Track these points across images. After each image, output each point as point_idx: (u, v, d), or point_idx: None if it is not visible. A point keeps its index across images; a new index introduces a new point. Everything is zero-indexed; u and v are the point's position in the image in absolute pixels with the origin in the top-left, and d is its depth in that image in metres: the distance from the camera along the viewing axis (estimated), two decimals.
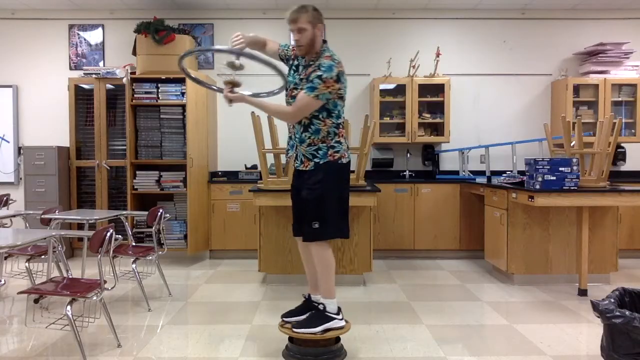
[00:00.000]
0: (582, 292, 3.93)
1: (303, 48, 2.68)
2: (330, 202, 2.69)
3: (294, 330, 2.67)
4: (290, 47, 2.86)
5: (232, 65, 2.59)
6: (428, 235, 5.41)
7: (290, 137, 2.87)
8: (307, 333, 2.64)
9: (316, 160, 2.70)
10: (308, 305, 2.81)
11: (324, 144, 2.69)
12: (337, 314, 2.71)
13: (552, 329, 3.20)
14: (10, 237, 2.99)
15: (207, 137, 5.49)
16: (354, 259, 4.25)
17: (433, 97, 5.70)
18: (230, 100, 2.67)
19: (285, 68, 2.79)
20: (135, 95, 5.29)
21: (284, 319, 2.81)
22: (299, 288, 4.06)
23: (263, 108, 2.78)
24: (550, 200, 3.77)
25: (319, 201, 2.68)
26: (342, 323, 2.72)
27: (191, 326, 3.31)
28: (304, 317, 2.75)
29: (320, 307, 2.70)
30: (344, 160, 2.74)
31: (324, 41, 2.75)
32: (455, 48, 5.93)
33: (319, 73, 2.57)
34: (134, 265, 3.69)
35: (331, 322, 2.67)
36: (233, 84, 2.63)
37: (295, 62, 2.78)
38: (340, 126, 2.74)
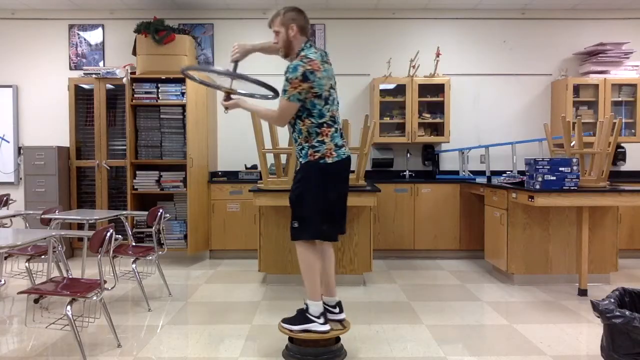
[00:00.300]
0: (582, 292, 3.93)
1: (282, 50, 2.76)
2: (309, 202, 2.68)
3: (280, 323, 2.73)
4: None
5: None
6: (428, 235, 5.41)
7: None
8: (287, 329, 2.68)
9: (300, 159, 2.75)
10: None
11: (307, 144, 2.69)
12: (319, 317, 2.66)
13: (552, 329, 3.20)
14: (10, 237, 2.99)
15: (207, 137, 5.49)
16: (354, 259, 4.25)
17: (433, 97, 5.70)
18: (226, 108, 2.79)
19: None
20: (135, 95, 5.29)
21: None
22: (299, 288, 4.07)
23: (256, 112, 2.87)
24: (550, 200, 3.77)
25: (298, 201, 2.70)
26: (323, 327, 2.65)
27: (191, 326, 3.31)
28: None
29: (304, 306, 2.71)
30: (329, 160, 2.67)
31: (308, 40, 2.75)
32: (455, 48, 5.93)
33: (287, 75, 2.60)
34: (134, 265, 3.69)
35: (310, 325, 2.65)
36: (229, 92, 2.77)
37: None
38: (325, 125, 2.68)
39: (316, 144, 2.68)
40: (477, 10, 5.90)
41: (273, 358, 2.76)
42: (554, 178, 3.77)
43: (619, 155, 5.69)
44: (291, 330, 2.67)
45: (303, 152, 2.70)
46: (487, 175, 5.42)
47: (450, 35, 5.94)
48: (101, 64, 5.89)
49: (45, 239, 2.89)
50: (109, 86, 5.60)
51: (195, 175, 5.18)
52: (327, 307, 2.76)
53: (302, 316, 2.69)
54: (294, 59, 2.69)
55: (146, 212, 3.84)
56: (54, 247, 3.30)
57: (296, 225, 2.68)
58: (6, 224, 4.22)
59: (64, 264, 3.65)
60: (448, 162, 6.01)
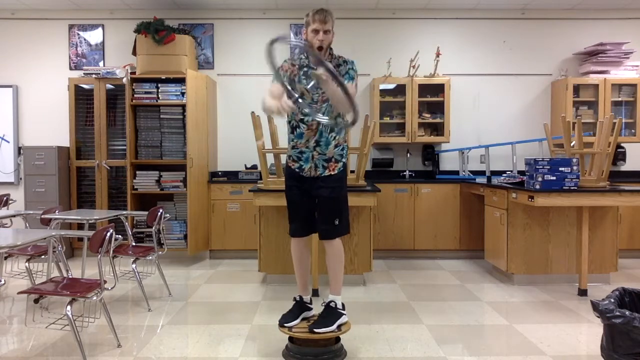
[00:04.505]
0: (582, 292, 3.93)
1: (324, 50, 2.76)
2: (346, 201, 2.90)
3: (315, 331, 2.64)
4: (302, 55, 2.80)
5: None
6: (428, 235, 5.41)
7: (299, 150, 2.77)
8: (325, 332, 2.66)
9: (342, 161, 2.82)
10: (298, 305, 2.84)
11: (343, 144, 2.83)
12: (343, 308, 2.79)
13: (552, 329, 3.20)
14: (10, 237, 2.99)
15: (207, 137, 5.49)
16: (354, 259, 4.25)
17: (433, 97, 5.70)
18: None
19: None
20: (135, 95, 5.29)
21: (285, 324, 2.75)
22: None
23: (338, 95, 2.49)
24: (550, 200, 3.77)
25: (342, 200, 2.85)
26: (347, 318, 2.80)
27: (191, 326, 3.31)
28: (318, 317, 2.77)
29: (332, 304, 2.76)
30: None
31: None
32: (455, 48, 5.93)
33: (353, 67, 2.80)
34: (134, 265, 3.69)
35: (342, 318, 2.75)
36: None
37: (305, 69, 2.75)
38: None
39: (345, 146, 2.85)
40: (477, 10, 5.90)
41: (273, 358, 2.76)
42: (554, 178, 3.77)
43: (619, 155, 5.69)
44: (332, 331, 2.68)
45: (343, 152, 2.82)
46: (487, 175, 5.41)
47: (450, 35, 5.94)
48: (101, 64, 5.89)
49: (45, 239, 2.89)
50: (109, 86, 5.60)
51: (195, 175, 5.18)
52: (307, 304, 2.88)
53: (335, 313, 2.74)
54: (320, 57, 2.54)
55: (146, 212, 3.84)
56: (54, 247, 3.30)
57: (337, 222, 2.76)
58: (6, 224, 4.22)
59: (64, 264, 3.65)
60: (448, 162, 6.01)
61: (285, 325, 2.74)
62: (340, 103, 2.53)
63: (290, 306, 2.87)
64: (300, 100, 2.54)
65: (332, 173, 2.77)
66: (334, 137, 2.75)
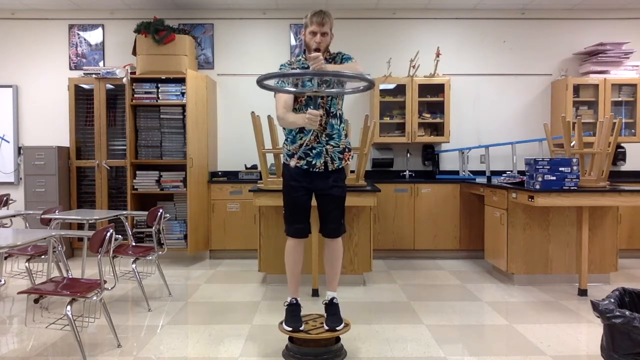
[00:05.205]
0: (582, 292, 3.93)
1: (321, 51, 2.77)
2: None
3: (337, 329, 2.69)
4: (301, 58, 2.92)
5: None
6: (428, 235, 5.41)
7: (309, 147, 2.74)
8: (344, 329, 2.72)
9: (337, 163, 2.81)
10: (298, 307, 2.83)
11: (344, 145, 2.85)
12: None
13: (552, 329, 3.20)
14: (10, 237, 2.98)
15: (207, 137, 5.49)
16: (354, 259, 4.25)
17: (433, 97, 5.70)
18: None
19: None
20: (135, 95, 5.29)
21: (300, 329, 2.70)
22: (299, 288, 4.06)
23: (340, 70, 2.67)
24: (550, 200, 3.77)
25: (344, 200, 2.88)
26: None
27: (191, 326, 3.31)
28: (330, 316, 2.77)
29: (335, 300, 2.81)
30: None
31: None
32: (455, 48, 5.93)
33: (347, 56, 2.89)
34: (134, 265, 3.69)
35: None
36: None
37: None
38: None
39: (349, 146, 2.89)
40: (477, 10, 5.90)
41: (273, 358, 2.76)
42: (554, 178, 3.77)
43: (619, 155, 5.70)
44: (345, 325, 2.75)
45: (341, 154, 2.81)
46: (487, 175, 5.41)
47: (450, 35, 5.94)
48: (101, 64, 5.89)
49: (45, 239, 2.88)
50: (109, 86, 5.61)
51: (195, 175, 5.18)
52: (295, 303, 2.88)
53: (338, 308, 2.81)
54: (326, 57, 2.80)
55: (146, 212, 3.84)
56: (54, 247, 3.30)
57: (343, 221, 2.85)
58: (6, 224, 4.22)
59: (64, 264, 3.65)
60: (448, 162, 6.01)
61: (301, 329, 2.70)
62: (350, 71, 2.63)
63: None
64: (319, 100, 2.64)
65: (348, 163, 2.88)
66: (344, 128, 2.83)
